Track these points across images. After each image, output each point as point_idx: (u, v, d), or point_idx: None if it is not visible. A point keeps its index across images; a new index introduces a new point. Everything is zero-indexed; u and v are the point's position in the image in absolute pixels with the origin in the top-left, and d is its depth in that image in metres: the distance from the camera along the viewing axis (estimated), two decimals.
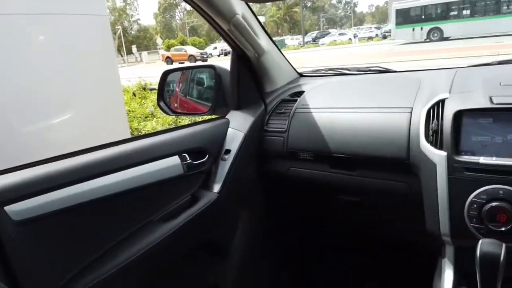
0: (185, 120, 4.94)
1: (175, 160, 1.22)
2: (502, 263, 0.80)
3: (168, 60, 29.38)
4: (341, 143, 1.24)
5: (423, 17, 18.47)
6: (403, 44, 18.70)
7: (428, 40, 18.28)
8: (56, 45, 2.63)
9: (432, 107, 1.08)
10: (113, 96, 3.19)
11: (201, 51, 30.82)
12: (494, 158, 0.95)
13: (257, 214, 1.51)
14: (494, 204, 0.92)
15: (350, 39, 28.06)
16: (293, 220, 1.71)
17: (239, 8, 1.25)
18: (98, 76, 2.91)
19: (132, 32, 51.62)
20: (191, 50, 31.02)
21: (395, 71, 1.50)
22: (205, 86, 1.64)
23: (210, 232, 1.33)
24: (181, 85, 1.68)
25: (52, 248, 0.96)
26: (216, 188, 1.30)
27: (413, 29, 18.63)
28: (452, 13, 17.64)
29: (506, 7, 16.17)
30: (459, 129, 1.01)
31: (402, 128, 1.14)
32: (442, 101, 1.07)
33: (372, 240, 1.60)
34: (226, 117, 1.43)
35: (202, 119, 1.46)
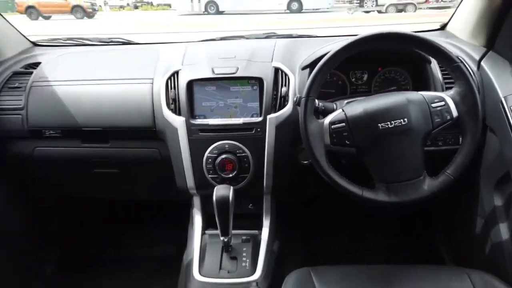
0: None
1: None
2: (231, 202, 0.99)
3: (32, 11, 14.78)
4: (89, 116, 1.21)
5: None
6: (182, 15, 19.11)
7: (206, 13, 19.29)
8: None
9: (170, 77, 1.20)
10: None
11: None
12: (219, 119, 1.16)
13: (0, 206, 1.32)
14: (223, 156, 1.12)
15: (100, 6, 26.50)
16: (50, 203, 1.59)
17: None
18: None
19: None
20: None
21: (137, 43, 1.56)
22: None
23: None
24: None
25: None
26: None
27: (192, 0, 19.17)
28: None
29: None
30: (192, 96, 1.17)
31: (146, 98, 1.21)
32: (177, 72, 1.20)
33: (138, 204, 1.68)
34: None
35: None
